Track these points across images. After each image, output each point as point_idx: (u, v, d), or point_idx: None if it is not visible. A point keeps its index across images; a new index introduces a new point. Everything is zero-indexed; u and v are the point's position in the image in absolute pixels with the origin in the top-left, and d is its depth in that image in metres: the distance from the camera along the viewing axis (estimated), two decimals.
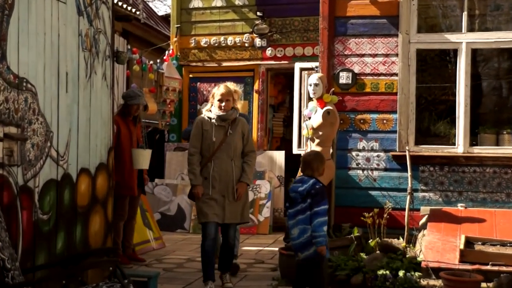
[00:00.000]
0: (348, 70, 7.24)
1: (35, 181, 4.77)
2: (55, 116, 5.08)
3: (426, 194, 7.01)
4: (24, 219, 4.62)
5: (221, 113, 6.00)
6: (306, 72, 9.40)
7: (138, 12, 10.93)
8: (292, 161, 10.11)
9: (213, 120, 6.02)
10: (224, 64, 11.15)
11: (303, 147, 8.94)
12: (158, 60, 10.48)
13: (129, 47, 9.13)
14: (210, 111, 6.08)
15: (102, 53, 5.94)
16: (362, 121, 7.22)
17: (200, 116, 6.19)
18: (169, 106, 10.79)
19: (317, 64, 7.78)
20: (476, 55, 7.67)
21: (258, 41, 10.94)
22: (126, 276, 4.25)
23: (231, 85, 6.27)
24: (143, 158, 7.04)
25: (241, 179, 6.01)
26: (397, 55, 7.11)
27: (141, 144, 7.31)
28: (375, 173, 7.16)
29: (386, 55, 7.17)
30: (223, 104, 5.98)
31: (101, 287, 4.03)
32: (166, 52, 11.12)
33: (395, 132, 7.09)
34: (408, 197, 6.64)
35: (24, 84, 4.61)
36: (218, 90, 6.05)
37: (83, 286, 4.17)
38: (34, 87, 4.73)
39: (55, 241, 5.08)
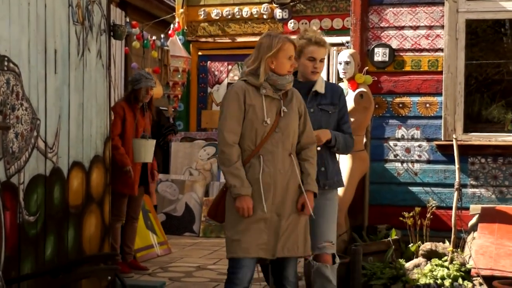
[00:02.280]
0: (385, 45, 7.20)
1: (19, 177, 4.78)
2: (42, 100, 5.08)
3: (476, 190, 6.96)
4: (7, 221, 4.63)
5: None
6: (335, 48, 9.38)
7: None
8: None
9: (264, 90, 4.41)
10: (239, 39, 11.13)
11: None
12: (162, 36, 10.47)
13: (127, 20, 9.12)
14: (257, 74, 4.41)
15: (97, 27, 5.94)
16: (401, 105, 7.17)
17: (238, 83, 4.49)
18: (173, 89, 10.77)
19: (348, 38, 7.74)
20: None
21: (278, 12, 10.91)
22: (127, 287, 4.26)
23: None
24: (145, 149, 7.02)
25: (305, 186, 4.45)
26: (442, 27, 7.04)
27: (146, 134, 7.28)
28: (417, 165, 7.12)
29: (430, 27, 7.10)
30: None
31: None
32: (171, 26, 11.11)
33: (440, 117, 7.04)
34: (456, 194, 6.60)
35: (6, 63, 4.61)
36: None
37: None
38: (17, 67, 4.74)
39: (44, 246, 5.10)
